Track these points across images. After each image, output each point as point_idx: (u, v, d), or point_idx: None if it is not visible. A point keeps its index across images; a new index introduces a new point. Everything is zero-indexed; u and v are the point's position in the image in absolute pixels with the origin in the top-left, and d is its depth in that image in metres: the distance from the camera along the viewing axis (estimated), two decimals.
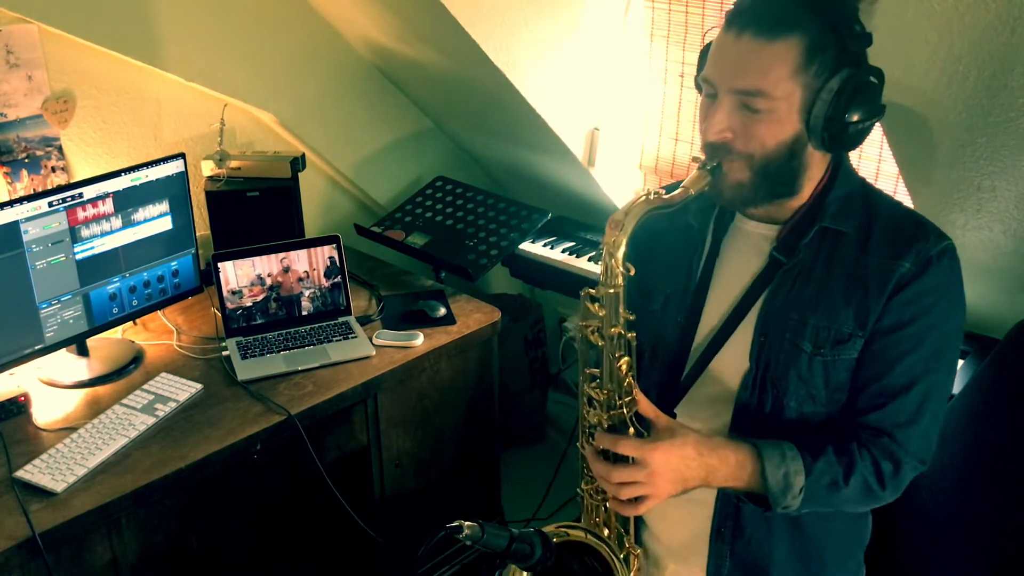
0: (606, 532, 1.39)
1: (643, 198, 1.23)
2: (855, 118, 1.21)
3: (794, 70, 1.19)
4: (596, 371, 1.29)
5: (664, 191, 1.24)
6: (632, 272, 1.23)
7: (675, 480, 1.23)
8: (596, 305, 1.26)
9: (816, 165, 1.29)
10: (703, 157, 1.27)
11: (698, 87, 1.32)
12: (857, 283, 1.27)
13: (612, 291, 1.24)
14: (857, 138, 1.24)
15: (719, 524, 1.40)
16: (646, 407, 1.28)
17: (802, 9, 1.18)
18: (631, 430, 1.28)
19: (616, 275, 1.23)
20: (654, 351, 1.44)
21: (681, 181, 1.30)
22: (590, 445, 1.30)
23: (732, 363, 1.35)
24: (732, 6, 1.25)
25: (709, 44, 1.29)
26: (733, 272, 1.37)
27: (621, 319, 1.26)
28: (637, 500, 1.25)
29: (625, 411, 1.27)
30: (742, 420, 1.35)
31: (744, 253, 1.36)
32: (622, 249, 1.22)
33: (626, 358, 1.26)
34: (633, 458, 1.23)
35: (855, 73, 1.20)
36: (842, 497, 1.28)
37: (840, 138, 1.23)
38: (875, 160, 2.27)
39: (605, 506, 1.37)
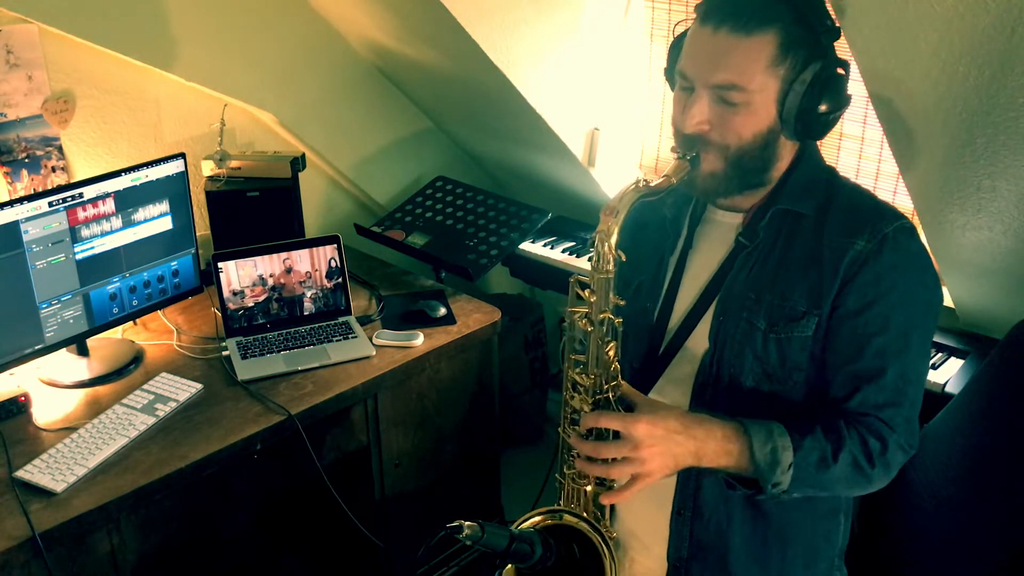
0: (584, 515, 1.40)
1: (633, 187, 1.26)
2: (825, 108, 1.25)
3: (770, 63, 1.22)
4: (581, 357, 1.31)
5: (651, 181, 1.27)
6: (624, 258, 1.26)
7: (664, 453, 1.21)
8: (586, 292, 1.29)
9: (786, 155, 1.34)
10: (680, 149, 1.30)
11: (669, 80, 1.36)
12: (812, 261, 1.30)
13: (604, 276, 1.27)
14: (826, 127, 1.29)
15: (679, 506, 1.41)
16: (628, 390, 1.30)
17: (777, 3, 1.22)
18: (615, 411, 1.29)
19: (608, 261, 1.26)
20: (625, 338, 1.45)
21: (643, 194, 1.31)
22: (574, 430, 1.30)
23: (696, 346, 1.38)
24: (705, 1, 1.27)
25: (680, 37, 1.33)
26: (703, 261, 1.40)
27: (611, 304, 1.28)
28: (629, 482, 1.24)
29: (611, 395, 1.29)
30: (700, 399, 1.36)
31: (714, 242, 1.40)
32: (615, 236, 1.25)
33: (613, 343, 1.28)
34: (617, 435, 1.22)
35: (826, 65, 1.24)
36: (832, 476, 1.27)
37: (811, 128, 1.27)
38: (875, 160, 2.28)
39: (585, 491, 1.37)
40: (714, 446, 1.23)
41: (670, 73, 1.36)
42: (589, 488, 1.37)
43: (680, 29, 1.35)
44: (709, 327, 1.36)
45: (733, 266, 1.36)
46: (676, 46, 1.34)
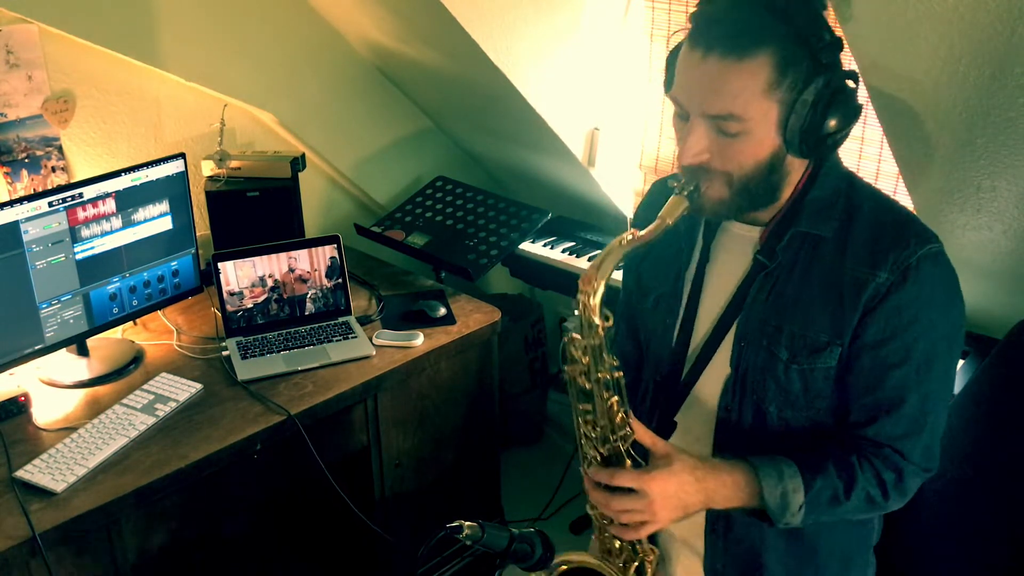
0: (618, 544, 1.39)
1: (618, 243, 1.21)
2: (832, 125, 1.17)
3: (767, 88, 1.14)
4: (589, 407, 1.29)
5: (638, 230, 1.21)
6: (610, 322, 1.22)
7: (675, 507, 1.24)
8: (579, 352, 1.26)
9: (796, 171, 1.27)
10: (679, 182, 1.23)
11: (668, 92, 1.27)
12: (833, 290, 1.25)
13: (594, 342, 1.23)
14: (836, 144, 1.22)
15: (712, 523, 1.41)
16: (643, 435, 1.28)
17: (769, 21, 1.13)
18: (628, 462, 1.28)
19: (596, 326, 1.22)
20: (648, 350, 1.44)
21: (668, 178, 1.29)
22: (591, 472, 1.30)
23: (717, 368, 1.34)
24: (694, 17, 1.18)
25: (676, 50, 1.24)
26: (722, 277, 1.36)
27: (607, 364, 1.25)
28: (640, 527, 1.26)
29: (621, 444, 1.28)
30: (725, 426, 1.35)
31: (732, 256, 1.35)
32: (598, 296, 1.21)
33: (615, 397, 1.26)
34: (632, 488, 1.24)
35: (829, 81, 1.16)
36: (845, 510, 1.28)
37: (819, 148, 1.20)
38: (875, 160, 2.28)
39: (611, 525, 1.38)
40: (725, 494, 1.25)
41: (668, 88, 1.27)
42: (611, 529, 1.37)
43: (678, 38, 1.25)
44: (730, 352, 1.32)
45: (752, 288, 1.31)
46: (672, 59, 1.25)
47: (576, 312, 1.24)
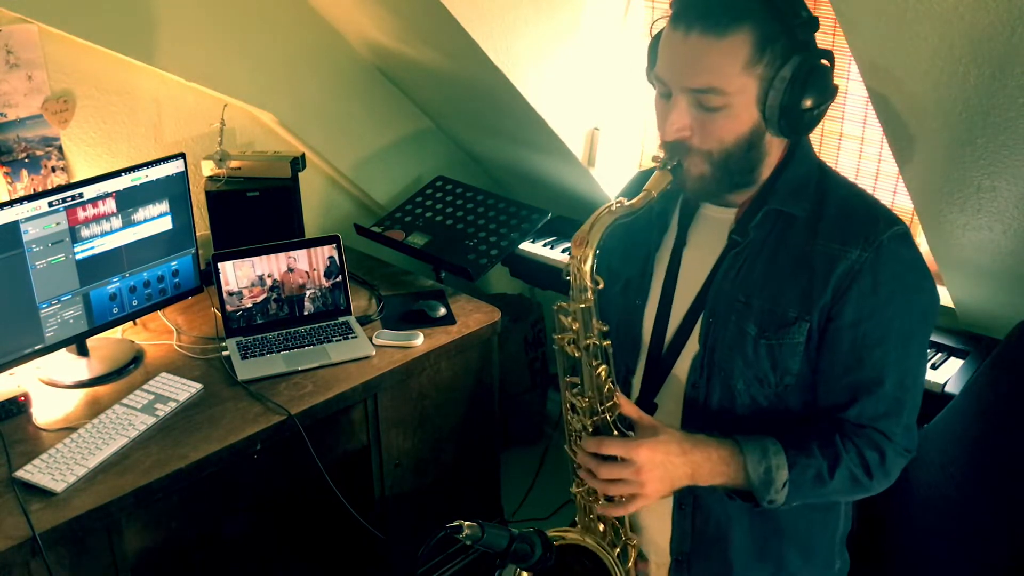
0: (601, 527, 1.41)
1: (607, 210, 1.24)
2: (809, 103, 1.21)
3: (746, 63, 1.19)
4: (576, 379, 1.31)
5: (626, 199, 1.25)
6: (601, 285, 1.24)
7: (662, 478, 1.24)
8: (569, 319, 1.27)
9: (774, 151, 1.31)
10: (662, 156, 1.27)
11: (651, 81, 1.32)
12: (803, 267, 1.28)
13: (583, 305, 1.25)
14: (813, 122, 1.25)
15: (680, 500, 1.41)
16: (629, 408, 1.30)
17: (748, 0, 1.18)
18: (615, 433, 1.29)
19: (586, 289, 1.24)
20: (618, 334, 1.45)
21: (647, 170, 1.31)
22: (578, 448, 1.31)
23: (689, 347, 1.37)
24: (675, 1, 1.23)
25: (658, 36, 1.28)
26: (698, 260, 1.38)
27: (595, 330, 1.27)
28: (626, 499, 1.27)
29: (608, 416, 1.29)
30: (692, 404, 1.36)
31: (708, 240, 1.38)
32: (589, 262, 1.23)
33: (603, 366, 1.28)
34: (620, 457, 1.25)
35: (806, 58, 1.20)
36: (829, 489, 1.29)
37: (797, 125, 1.24)
38: (875, 160, 2.28)
39: (596, 505, 1.38)
40: (710, 468, 1.27)
41: (650, 76, 1.32)
42: (599, 508, 1.37)
43: (658, 27, 1.30)
44: (699, 329, 1.35)
45: (723, 265, 1.34)
46: (654, 46, 1.30)
47: (567, 277, 1.25)
